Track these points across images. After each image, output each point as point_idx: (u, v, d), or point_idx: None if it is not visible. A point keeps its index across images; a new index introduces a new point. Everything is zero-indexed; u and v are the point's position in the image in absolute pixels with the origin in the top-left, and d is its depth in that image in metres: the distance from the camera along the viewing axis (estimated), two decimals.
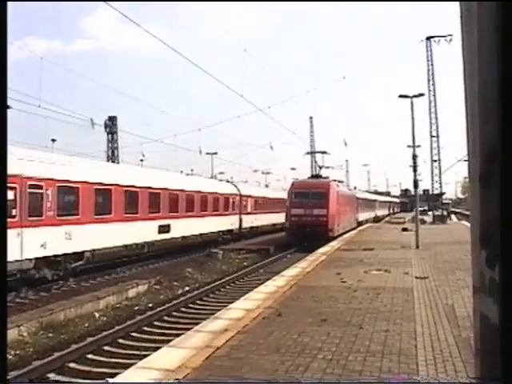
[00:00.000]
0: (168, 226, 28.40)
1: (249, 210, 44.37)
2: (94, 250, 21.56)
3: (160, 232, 27.55)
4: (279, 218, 50.03)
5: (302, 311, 10.77)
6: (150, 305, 17.22)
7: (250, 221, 44.13)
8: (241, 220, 41.86)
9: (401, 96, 29.68)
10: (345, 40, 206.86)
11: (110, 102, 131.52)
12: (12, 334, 12.68)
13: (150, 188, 26.81)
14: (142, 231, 25.50)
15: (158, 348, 8.99)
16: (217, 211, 36.38)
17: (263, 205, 48.73)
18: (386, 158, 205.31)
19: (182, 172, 45.36)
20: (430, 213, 56.46)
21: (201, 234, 33.91)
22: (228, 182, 46.97)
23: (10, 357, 11.49)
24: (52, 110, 31.48)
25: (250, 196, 45.20)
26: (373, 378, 6.55)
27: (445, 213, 55.29)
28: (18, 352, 11.88)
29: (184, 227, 30.46)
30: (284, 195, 51.57)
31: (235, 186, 43.76)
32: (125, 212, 24.31)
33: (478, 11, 1.70)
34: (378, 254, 22.08)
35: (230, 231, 39.52)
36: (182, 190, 30.72)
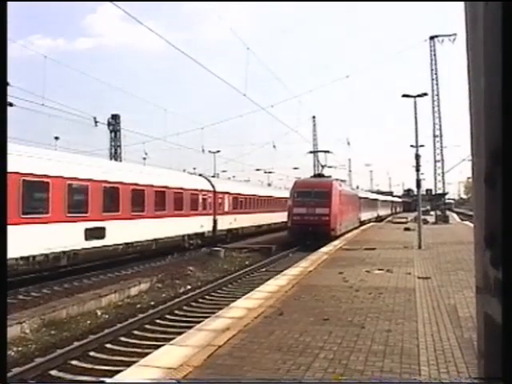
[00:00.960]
0: (101, 229, 22.13)
1: (226, 209, 38.61)
2: None
3: (88, 238, 21.30)
4: (269, 218, 48.97)
5: (304, 310, 10.77)
6: (152, 303, 17.24)
7: (227, 222, 38.17)
8: (215, 221, 35.85)
9: (404, 96, 29.61)
10: (348, 39, 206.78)
11: (112, 101, 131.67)
12: (14, 330, 12.71)
13: (70, 179, 20.65)
14: (59, 236, 19.54)
15: (159, 346, 8.99)
16: (180, 210, 30.16)
17: (247, 204, 44.11)
18: (388, 158, 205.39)
19: (184, 171, 45.19)
20: (432, 213, 56.37)
21: (155, 240, 27.18)
22: (201, 176, 40.10)
23: (12, 354, 11.52)
24: (55, 108, 31.46)
25: (227, 193, 39.37)
26: (374, 378, 6.54)
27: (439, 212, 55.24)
28: (20, 349, 11.90)
29: (127, 231, 24.08)
30: (279, 193, 50.34)
31: (208, 181, 37.35)
32: (24, 212, 17.95)
33: (484, 10, 1.69)
34: (380, 254, 22.06)
35: (199, 235, 33.33)
36: (123, 183, 24.23)
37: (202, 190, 34.26)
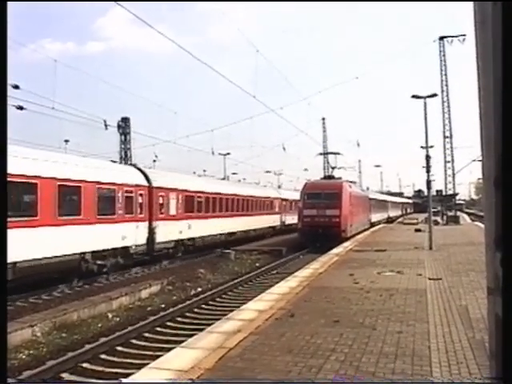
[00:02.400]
0: None
1: (172, 212, 28.20)
2: None
3: None
4: (246, 223, 40.14)
5: (315, 312, 10.75)
6: (163, 305, 17.28)
7: (174, 230, 28.02)
8: (152, 230, 25.74)
9: (414, 96, 29.49)
10: (358, 40, 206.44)
11: (122, 103, 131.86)
12: (26, 333, 12.79)
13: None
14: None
15: (170, 349, 9.01)
16: (78, 216, 19.92)
17: (209, 205, 33.71)
18: (398, 159, 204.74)
19: (194, 173, 45.06)
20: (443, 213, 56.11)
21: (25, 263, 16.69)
22: (133, 166, 29.14)
23: (23, 357, 11.60)
24: (65, 111, 31.52)
25: (174, 190, 28.62)
26: (386, 379, 6.52)
27: (450, 213, 55.00)
28: (31, 352, 11.97)
29: None
30: (262, 192, 48.31)
31: (142, 173, 26.64)
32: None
33: (492, 10, 1.69)
34: (390, 255, 21.99)
35: (120, 251, 23.03)
36: None
37: (121, 185, 23.59)
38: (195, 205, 31.60)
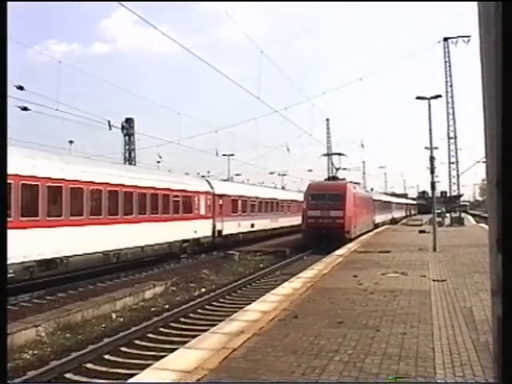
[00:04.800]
0: None
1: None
2: None
3: None
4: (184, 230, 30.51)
5: (319, 313, 10.74)
6: (167, 306, 17.30)
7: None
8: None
9: (418, 98, 29.43)
10: (362, 41, 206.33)
11: (126, 104, 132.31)
12: (30, 334, 12.82)
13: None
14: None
15: (174, 349, 9.01)
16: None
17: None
18: (403, 160, 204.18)
19: (198, 174, 45.18)
20: (447, 215, 56.04)
21: None
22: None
23: (28, 357, 11.62)
24: (70, 112, 31.59)
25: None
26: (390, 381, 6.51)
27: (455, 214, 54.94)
28: (35, 352, 12.00)
29: None
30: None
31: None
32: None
33: (497, 10, 1.69)
34: (394, 257, 21.96)
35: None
36: None
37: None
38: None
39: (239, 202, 39.30)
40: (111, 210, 22.31)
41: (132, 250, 23.67)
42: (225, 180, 52.17)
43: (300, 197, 47.93)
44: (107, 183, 22.17)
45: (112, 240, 21.99)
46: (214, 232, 33.70)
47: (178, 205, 28.73)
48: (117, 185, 22.88)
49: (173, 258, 28.20)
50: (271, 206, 47.23)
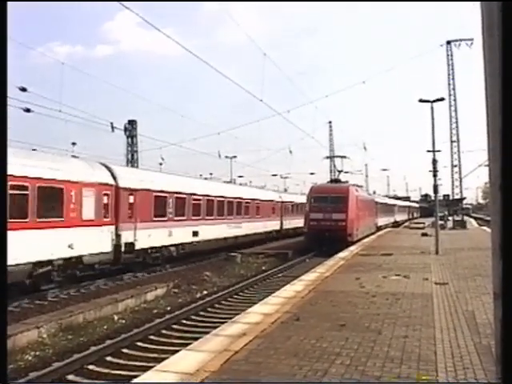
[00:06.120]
0: None
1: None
2: None
3: None
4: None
5: (321, 316, 10.74)
6: (169, 308, 17.29)
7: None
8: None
9: (421, 100, 29.42)
10: (365, 43, 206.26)
11: (129, 106, 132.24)
12: (32, 335, 12.82)
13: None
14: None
15: (176, 351, 9.01)
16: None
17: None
18: (405, 163, 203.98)
19: (201, 176, 45.03)
20: (450, 218, 55.98)
21: None
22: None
23: (29, 358, 11.62)
24: (72, 114, 31.58)
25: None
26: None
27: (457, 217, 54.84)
28: (37, 353, 12.00)
29: None
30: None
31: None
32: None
33: (500, 13, 1.69)
34: (397, 260, 21.95)
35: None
36: None
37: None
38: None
39: (170, 201, 27.94)
40: None
41: None
42: (227, 182, 51.82)
43: (275, 196, 46.32)
44: None
45: None
46: (118, 245, 22.86)
47: (26, 204, 17.60)
48: None
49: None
50: (230, 208, 36.51)
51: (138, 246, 24.15)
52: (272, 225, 44.48)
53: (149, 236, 25.00)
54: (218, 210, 34.09)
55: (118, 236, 22.84)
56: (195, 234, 30.25)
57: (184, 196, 29.57)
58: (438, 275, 17.05)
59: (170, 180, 29.91)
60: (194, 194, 30.87)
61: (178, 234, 28.02)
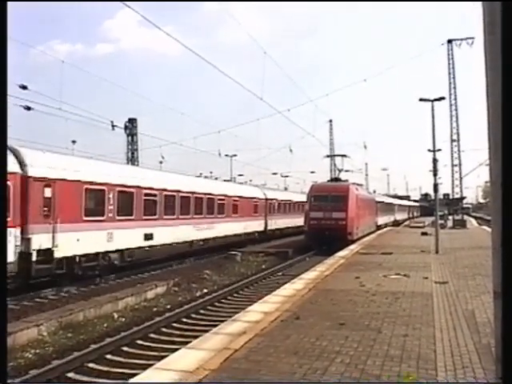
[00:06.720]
0: None
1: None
2: None
3: None
4: None
5: (321, 315, 10.73)
6: (169, 306, 17.30)
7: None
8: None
9: (421, 100, 29.38)
10: (365, 42, 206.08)
11: (130, 105, 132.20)
12: (32, 333, 12.83)
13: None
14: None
15: (176, 349, 9.01)
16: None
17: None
18: (405, 162, 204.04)
19: (200, 174, 45.05)
20: (450, 217, 55.97)
21: None
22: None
23: (29, 356, 11.64)
24: (72, 112, 31.54)
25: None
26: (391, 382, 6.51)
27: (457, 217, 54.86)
28: (37, 351, 12.01)
29: None
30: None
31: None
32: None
33: (502, 12, 1.69)
34: (397, 259, 21.94)
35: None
36: None
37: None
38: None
39: (111, 196, 22.17)
40: None
41: None
42: (227, 180, 51.62)
43: (258, 193, 43.99)
44: None
45: None
46: (25, 253, 17.51)
47: None
48: None
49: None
50: (198, 206, 30.92)
51: (59, 254, 18.80)
52: (254, 225, 40.13)
53: (77, 240, 19.68)
54: (181, 208, 28.57)
55: (25, 241, 17.51)
56: (148, 237, 24.80)
57: (132, 190, 23.84)
58: (438, 274, 17.05)
59: (112, 170, 23.63)
60: (148, 188, 25.23)
61: (121, 237, 22.48)
